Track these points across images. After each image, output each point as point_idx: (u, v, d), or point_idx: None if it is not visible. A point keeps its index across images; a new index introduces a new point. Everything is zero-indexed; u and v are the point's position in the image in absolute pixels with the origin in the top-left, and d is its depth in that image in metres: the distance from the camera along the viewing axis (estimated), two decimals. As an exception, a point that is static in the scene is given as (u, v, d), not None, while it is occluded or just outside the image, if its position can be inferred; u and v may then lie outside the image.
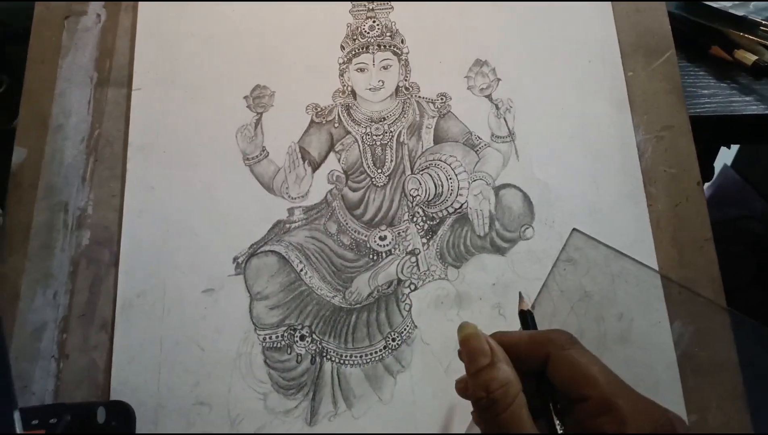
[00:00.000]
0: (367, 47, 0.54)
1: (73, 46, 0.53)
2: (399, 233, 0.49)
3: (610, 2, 0.56)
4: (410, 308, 0.48)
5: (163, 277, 0.47)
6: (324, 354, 0.47)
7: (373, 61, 0.54)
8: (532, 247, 0.49)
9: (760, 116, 0.57)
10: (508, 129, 0.52)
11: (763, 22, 0.58)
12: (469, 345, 0.33)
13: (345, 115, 0.52)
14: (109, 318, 0.46)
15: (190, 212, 0.49)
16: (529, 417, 0.30)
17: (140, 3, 0.54)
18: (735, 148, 1.06)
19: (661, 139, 0.52)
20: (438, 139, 0.52)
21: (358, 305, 0.48)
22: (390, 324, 0.47)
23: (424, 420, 0.45)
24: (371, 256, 0.49)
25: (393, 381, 0.46)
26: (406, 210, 0.50)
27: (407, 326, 0.47)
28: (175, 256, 0.48)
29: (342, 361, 0.46)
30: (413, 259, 0.49)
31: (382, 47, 0.54)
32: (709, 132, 0.57)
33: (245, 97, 0.52)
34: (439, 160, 0.51)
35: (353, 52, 0.54)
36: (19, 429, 0.34)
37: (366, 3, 0.55)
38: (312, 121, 0.52)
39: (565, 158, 0.51)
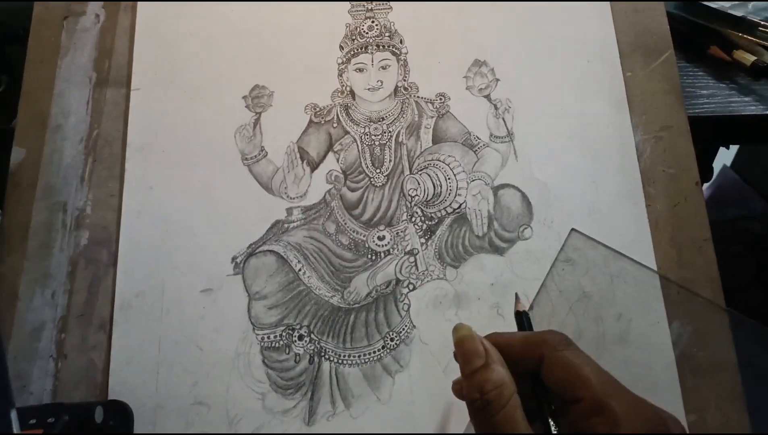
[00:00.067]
0: (366, 47, 0.54)
1: (72, 46, 0.53)
2: (397, 233, 0.49)
3: (608, 2, 0.56)
4: (409, 308, 0.48)
5: (162, 277, 0.47)
6: (322, 354, 0.47)
7: (372, 61, 0.54)
8: (530, 247, 0.49)
9: (758, 116, 0.57)
10: (507, 129, 0.52)
11: (762, 22, 0.58)
12: (463, 346, 0.33)
13: (344, 115, 0.52)
14: (107, 318, 0.46)
15: (189, 212, 0.49)
16: (523, 418, 0.30)
17: (139, 3, 0.54)
18: (734, 148, 1.06)
19: (659, 139, 0.52)
20: (437, 139, 0.52)
21: (357, 305, 0.48)
22: (388, 324, 0.47)
23: (423, 420, 0.45)
24: (370, 256, 0.49)
25: (391, 381, 0.46)
26: (405, 210, 0.50)
27: (406, 326, 0.47)
28: (174, 256, 0.48)
29: (340, 361, 0.46)
30: (412, 259, 0.49)
31: (380, 47, 0.54)
32: (707, 132, 0.57)
33: (244, 97, 0.52)
34: (438, 160, 0.51)
35: (352, 53, 0.54)
36: (16, 428, 0.34)
37: (365, 3, 0.55)
38: (311, 121, 0.52)
39: (564, 158, 0.51)
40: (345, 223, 0.50)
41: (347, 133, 0.52)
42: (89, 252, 0.48)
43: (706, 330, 0.47)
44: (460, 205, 0.50)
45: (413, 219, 0.50)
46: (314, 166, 0.51)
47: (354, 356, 0.47)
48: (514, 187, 0.51)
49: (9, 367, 0.36)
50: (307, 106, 0.52)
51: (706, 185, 1.01)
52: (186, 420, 0.44)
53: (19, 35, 0.55)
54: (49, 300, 0.47)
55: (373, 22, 0.55)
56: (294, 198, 0.50)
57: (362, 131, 0.52)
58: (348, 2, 0.55)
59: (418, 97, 0.53)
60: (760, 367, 0.46)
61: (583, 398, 0.30)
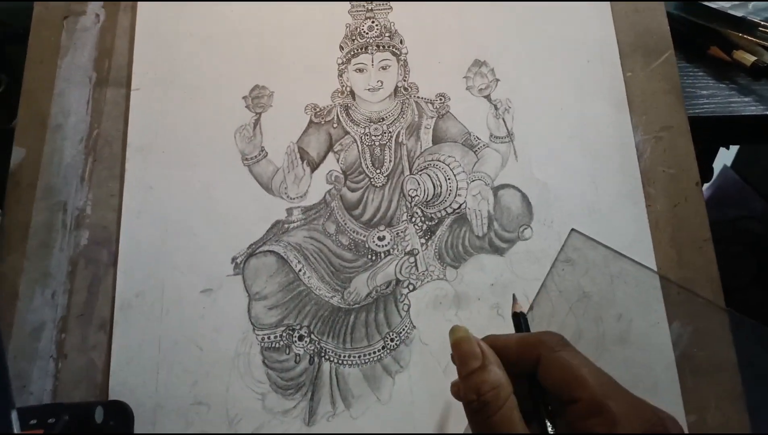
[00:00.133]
0: (366, 48, 0.54)
1: (72, 46, 0.53)
2: (397, 233, 0.49)
3: (608, 2, 0.56)
4: (409, 308, 0.48)
5: (162, 277, 0.47)
6: (322, 354, 0.47)
7: (372, 62, 0.54)
8: (530, 248, 0.49)
9: (758, 117, 0.57)
10: (507, 129, 0.52)
11: (762, 22, 0.58)
12: (460, 348, 0.33)
13: (344, 115, 0.52)
14: (107, 318, 0.46)
15: (189, 212, 0.49)
16: (520, 419, 0.30)
17: (139, 3, 0.54)
18: (734, 148, 1.06)
19: (659, 139, 0.52)
20: (437, 140, 0.52)
21: (357, 305, 0.48)
22: (388, 324, 0.47)
23: (423, 420, 0.45)
24: (370, 256, 0.49)
25: (391, 381, 0.46)
26: (405, 210, 0.50)
27: (406, 326, 0.47)
28: (174, 256, 0.48)
29: (340, 362, 0.46)
30: (412, 259, 0.49)
31: (380, 48, 0.54)
32: (707, 132, 0.57)
33: (244, 97, 0.52)
34: (438, 160, 0.51)
35: (352, 53, 0.54)
36: (16, 429, 0.34)
37: (365, 3, 0.55)
38: (311, 122, 0.52)
39: (564, 158, 0.51)
40: (345, 224, 0.50)
41: (347, 133, 0.52)
42: (89, 252, 0.48)
43: (706, 330, 0.47)
44: (460, 205, 0.50)
45: (413, 219, 0.50)
46: (314, 167, 0.51)
47: (354, 356, 0.47)
48: (514, 187, 0.51)
49: (9, 367, 0.36)
50: (307, 106, 0.52)
51: (706, 185, 1.01)
52: (186, 420, 0.44)
53: (19, 35, 0.55)
54: (49, 300, 0.47)
55: (373, 22, 0.55)
56: (294, 198, 0.50)
57: (362, 131, 0.52)
58: (348, 2, 0.55)
59: (418, 97, 0.53)
60: (760, 367, 0.46)
61: (580, 399, 0.30)
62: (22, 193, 0.49)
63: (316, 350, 0.47)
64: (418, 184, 0.51)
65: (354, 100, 0.53)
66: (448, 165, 0.51)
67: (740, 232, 1.01)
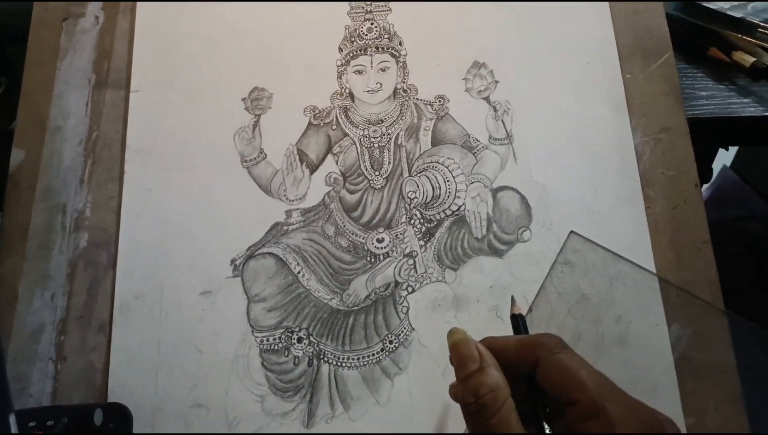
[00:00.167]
0: (365, 49, 0.54)
1: (72, 47, 0.53)
2: (396, 235, 0.49)
3: (608, 4, 0.56)
4: (408, 311, 0.48)
5: (161, 279, 0.47)
6: (321, 356, 0.47)
7: (371, 63, 0.54)
8: (529, 250, 0.49)
9: (758, 118, 0.57)
10: (506, 131, 0.52)
11: (761, 24, 0.58)
12: (458, 351, 0.33)
13: (343, 117, 0.52)
14: (106, 320, 0.47)
15: (188, 214, 0.49)
16: (518, 421, 0.30)
17: (138, 5, 0.54)
18: (734, 148, 1.05)
19: (659, 141, 0.52)
20: (436, 142, 0.52)
21: (356, 307, 0.48)
22: (387, 326, 0.47)
23: (422, 422, 0.45)
24: (369, 258, 0.49)
25: (390, 383, 0.46)
26: (404, 212, 0.50)
27: (404, 329, 0.47)
28: (173, 258, 0.48)
29: (339, 364, 0.46)
30: (411, 261, 0.49)
31: (380, 49, 0.54)
32: (707, 134, 0.57)
33: (243, 99, 0.52)
34: (437, 162, 0.51)
35: (351, 54, 0.54)
36: (15, 431, 0.34)
37: (364, 5, 0.55)
38: (310, 123, 0.52)
39: (563, 160, 0.51)
40: (344, 226, 0.50)
41: (346, 135, 0.52)
42: (88, 254, 0.48)
43: (705, 332, 0.47)
44: (459, 207, 0.50)
45: (412, 221, 0.50)
46: (313, 169, 0.51)
47: (353, 359, 0.47)
48: (513, 189, 0.51)
49: (8, 370, 0.36)
50: (306, 108, 0.52)
51: (705, 186, 1.01)
52: (185, 422, 0.45)
53: (19, 36, 0.55)
54: (48, 302, 0.47)
55: (372, 23, 0.55)
56: (293, 200, 0.50)
57: (361, 133, 0.52)
58: (347, 2, 0.55)
59: (417, 99, 0.53)
60: (759, 369, 0.46)
61: (578, 401, 0.30)
62: (22, 195, 0.49)
63: (315, 352, 0.47)
64: (417, 186, 0.51)
65: (353, 101, 0.53)
66: (447, 167, 0.51)
67: (740, 233, 1.01)
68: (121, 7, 0.54)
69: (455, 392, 0.34)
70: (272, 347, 0.46)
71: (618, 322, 0.47)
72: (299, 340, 0.47)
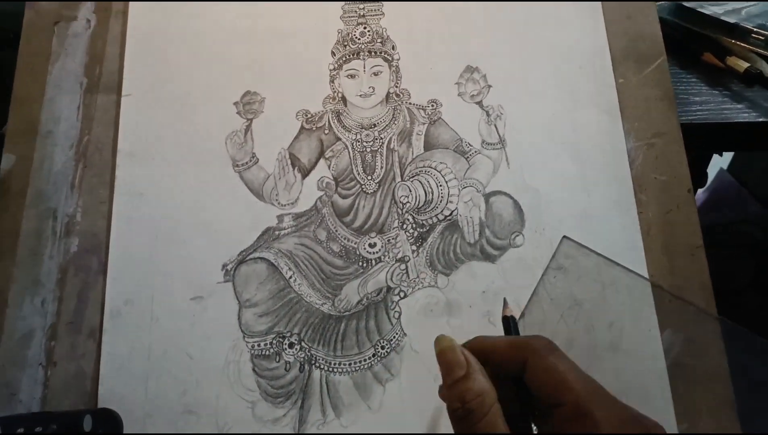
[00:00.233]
0: (358, 53, 0.54)
1: (63, 51, 0.53)
2: (389, 240, 0.49)
3: (601, 8, 0.55)
4: (399, 316, 0.48)
5: (152, 285, 0.47)
6: (313, 362, 0.46)
7: (364, 68, 0.54)
8: (522, 255, 0.49)
9: (751, 124, 0.56)
10: (499, 136, 0.52)
11: (755, 29, 0.58)
12: (444, 357, 0.33)
13: (335, 121, 0.52)
14: (97, 325, 0.46)
15: (179, 219, 0.49)
16: (504, 426, 0.30)
17: (130, 9, 0.54)
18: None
19: (652, 146, 0.52)
20: (428, 146, 0.52)
21: (347, 313, 0.48)
22: (379, 332, 0.47)
23: (413, 428, 0.45)
24: (361, 263, 0.49)
25: (382, 389, 0.46)
26: (396, 217, 0.50)
27: (396, 334, 0.47)
28: (164, 263, 0.48)
29: (331, 369, 0.46)
30: (403, 266, 0.49)
31: (372, 53, 0.54)
32: (700, 139, 0.57)
33: (235, 104, 0.52)
34: (430, 166, 0.51)
35: (344, 59, 0.54)
36: (1, 440, 0.33)
37: (357, 9, 0.55)
38: (302, 128, 0.52)
39: (556, 165, 0.51)
40: (336, 230, 0.50)
41: (339, 139, 0.52)
42: (79, 259, 0.48)
43: (698, 338, 0.47)
44: (452, 212, 0.50)
45: (404, 226, 0.50)
46: (305, 173, 0.51)
47: (345, 364, 0.46)
48: (505, 194, 0.51)
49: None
50: (298, 112, 0.52)
51: (702, 190, 1.01)
52: (176, 428, 0.44)
53: (10, 39, 0.55)
54: (38, 307, 0.47)
55: (365, 28, 0.55)
56: (285, 205, 0.50)
57: (354, 138, 0.52)
58: (339, 5, 0.55)
59: (409, 103, 0.53)
60: (751, 375, 0.46)
61: (565, 403, 0.30)
62: (12, 200, 0.49)
63: (306, 358, 0.46)
64: (410, 191, 0.51)
65: (345, 106, 0.53)
66: (439, 171, 0.51)
67: (737, 236, 1.01)
68: (113, 11, 0.54)
69: (444, 394, 0.34)
70: (263, 353, 0.46)
71: (611, 328, 0.47)
72: (290, 345, 0.47)
